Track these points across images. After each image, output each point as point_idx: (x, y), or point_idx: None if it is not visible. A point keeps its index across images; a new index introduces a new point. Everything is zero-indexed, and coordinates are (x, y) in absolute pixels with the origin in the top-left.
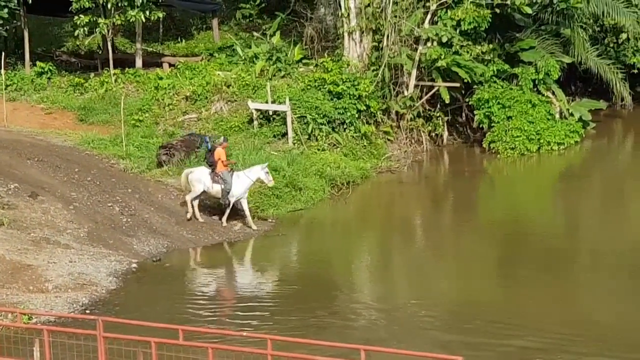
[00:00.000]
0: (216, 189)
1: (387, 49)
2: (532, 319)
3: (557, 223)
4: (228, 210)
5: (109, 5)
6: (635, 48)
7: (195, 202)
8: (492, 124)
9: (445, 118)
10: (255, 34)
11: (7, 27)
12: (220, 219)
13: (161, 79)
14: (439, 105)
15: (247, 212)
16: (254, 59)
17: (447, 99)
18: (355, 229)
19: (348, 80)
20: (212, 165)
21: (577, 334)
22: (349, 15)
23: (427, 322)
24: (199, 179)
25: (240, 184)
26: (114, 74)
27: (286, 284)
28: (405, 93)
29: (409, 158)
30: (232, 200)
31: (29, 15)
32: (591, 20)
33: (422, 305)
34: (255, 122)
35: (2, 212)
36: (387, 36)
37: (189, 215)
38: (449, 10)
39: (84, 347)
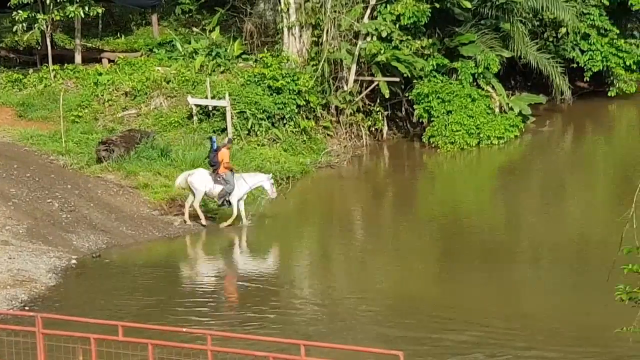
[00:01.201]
0: (217, 190)
1: (326, 44)
2: (472, 314)
3: (496, 217)
4: (235, 213)
5: (48, 1)
6: (574, 42)
7: (197, 204)
8: (432, 119)
9: (385, 113)
10: (194, 29)
11: None
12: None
13: (100, 74)
14: (378, 100)
15: (235, 215)
16: (194, 55)
17: (386, 93)
18: (295, 224)
19: (287, 75)
20: (213, 165)
21: (516, 328)
22: (288, 10)
23: (368, 317)
24: (201, 180)
25: (239, 187)
26: (53, 69)
27: (226, 279)
28: (345, 88)
29: (348, 153)
30: (234, 200)
31: None
32: (531, 15)
33: (363, 300)
34: (195, 118)
35: None
36: (327, 31)
37: (203, 222)
38: (388, 5)
39: (23, 344)
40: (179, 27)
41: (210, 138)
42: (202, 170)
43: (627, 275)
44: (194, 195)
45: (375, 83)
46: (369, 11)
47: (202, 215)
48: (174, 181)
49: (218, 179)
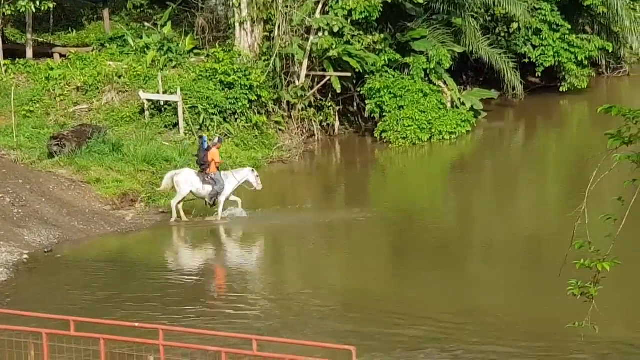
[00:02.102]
0: (207, 189)
1: (278, 39)
2: (424, 309)
3: (448, 213)
4: (221, 210)
5: None
6: (526, 38)
7: (180, 205)
8: (384, 114)
9: (337, 108)
10: (146, 24)
11: None
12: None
13: (52, 69)
14: (330, 95)
15: (221, 211)
16: (145, 50)
17: (338, 88)
18: (247, 220)
19: (239, 70)
20: (202, 165)
21: (468, 323)
22: (240, 5)
23: (320, 312)
24: (187, 180)
25: (228, 184)
26: (4, 64)
27: (179, 274)
28: (297, 83)
29: (300, 148)
30: (223, 199)
31: None
32: (482, 10)
33: (315, 295)
34: (147, 113)
35: None
36: (279, 26)
37: (173, 220)
38: (340, 0)
39: None
40: (131, 22)
41: (202, 137)
42: (188, 170)
43: (579, 271)
44: (176, 192)
45: (327, 78)
46: (320, 6)
47: (182, 213)
48: (161, 183)
49: (207, 178)
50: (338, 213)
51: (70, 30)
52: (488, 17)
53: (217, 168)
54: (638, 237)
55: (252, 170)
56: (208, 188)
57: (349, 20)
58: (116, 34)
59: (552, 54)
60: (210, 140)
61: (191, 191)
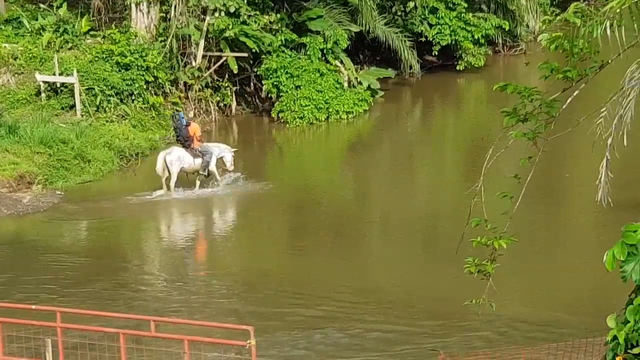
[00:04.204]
0: (198, 162)
1: (174, 19)
2: (323, 288)
3: (346, 192)
4: (218, 176)
5: None
6: (422, 16)
7: (172, 184)
8: (281, 94)
9: (234, 88)
10: (41, 5)
11: None
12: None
13: None
14: (227, 76)
15: (218, 177)
16: (41, 31)
17: (235, 69)
18: (145, 200)
19: (136, 51)
20: (186, 140)
21: (367, 302)
22: None
23: (218, 293)
24: (179, 157)
25: (213, 154)
26: None
27: (76, 256)
28: (194, 64)
29: None
30: (213, 167)
31: None
32: None
33: (213, 276)
34: (43, 95)
35: None
36: (175, 7)
37: (172, 193)
38: None
39: None
40: (26, 4)
41: (179, 113)
42: (177, 148)
43: (475, 248)
44: (169, 172)
45: (224, 59)
46: None
47: (165, 188)
48: (155, 168)
49: (196, 152)
50: (235, 192)
51: None
52: None
53: (200, 140)
54: (534, 214)
55: (231, 150)
56: (198, 161)
57: (245, 1)
58: (11, 16)
59: (448, 32)
60: (186, 116)
61: (183, 168)
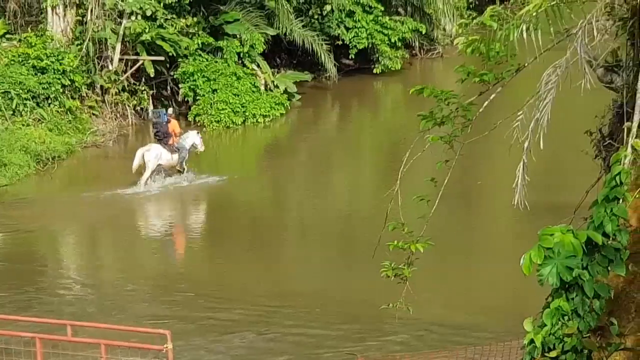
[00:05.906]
0: (175, 158)
1: (91, 23)
2: (239, 292)
3: (263, 196)
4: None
5: None
6: (339, 19)
7: (144, 179)
8: (197, 97)
9: (151, 92)
10: None
11: None
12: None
13: None
14: (144, 79)
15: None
16: None
17: (151, 72)
18: (61, 205)
19: (52, 55)
20: (166, 137)
21: (283, 306)
22: None
23: (136, 297)
24: (157, 154)
25: (186, 150)
26: None
27: None
28: (110, 67)
29: (114, 132)
30: (185, 164)
31: None
32: None
33: (130, 280)
34: None
35: None
36: (91, 10)
37: (142, 187)
38: None
39: None
40: None
41: (160, 111)
42: (155, 145)
43: (392, 252)
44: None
45: (141, 62)
46: None
47: (144, 183)
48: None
49: (173, 148)
50: (153, 196)
51: None
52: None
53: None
54: (452, 217)
55: (197, 132)
56: (176, 157)
57: (161, 4)
58: None
59: (365, 35)
60: (166, 113)
61: (161, 164)
